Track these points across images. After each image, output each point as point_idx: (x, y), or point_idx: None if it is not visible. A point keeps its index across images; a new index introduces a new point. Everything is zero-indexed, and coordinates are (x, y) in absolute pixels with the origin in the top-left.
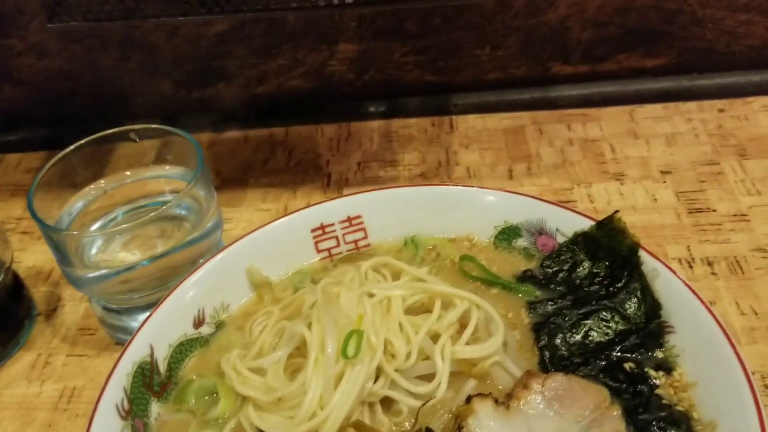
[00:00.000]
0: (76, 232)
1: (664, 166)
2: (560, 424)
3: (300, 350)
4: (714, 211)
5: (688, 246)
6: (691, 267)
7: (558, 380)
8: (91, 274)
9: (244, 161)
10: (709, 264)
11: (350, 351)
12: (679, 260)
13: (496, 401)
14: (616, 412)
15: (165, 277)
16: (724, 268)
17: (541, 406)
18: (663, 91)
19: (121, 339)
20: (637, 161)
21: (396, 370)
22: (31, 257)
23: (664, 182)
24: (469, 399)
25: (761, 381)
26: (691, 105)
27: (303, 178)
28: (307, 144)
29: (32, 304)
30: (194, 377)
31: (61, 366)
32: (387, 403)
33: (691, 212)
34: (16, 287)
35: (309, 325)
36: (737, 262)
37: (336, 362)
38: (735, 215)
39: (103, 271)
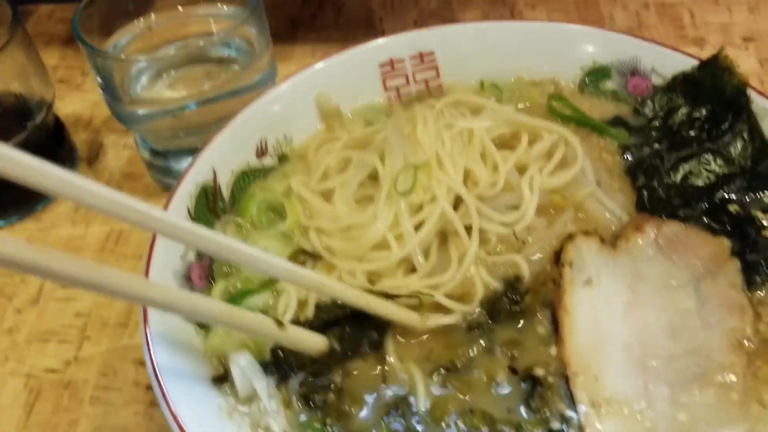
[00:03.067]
0: (123, 57)
1: (747, 33)
2: (670, 270)
3: (370, 181)
4: None
5: None
6: None
7: (674, 228)
8: (141, 111)
9: (290, 16)
10: None
11: (402, 186)
12: None
13: (602, 240)
14: (735, 265)
15: (215, 123)
16: None
17: (650, 250)
18: None
19: (168, 184)
20: (718, 28)
21: (481, 200)
22: (70, 105)
23: (747, 49)
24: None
25: None
26: None
27: (354, 35)
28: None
29: (74, 149)
30: (257, 191)
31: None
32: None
33: None
34: (58, 129)
35: (381, 157)
36: None
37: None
38: None
39: (155, 109)
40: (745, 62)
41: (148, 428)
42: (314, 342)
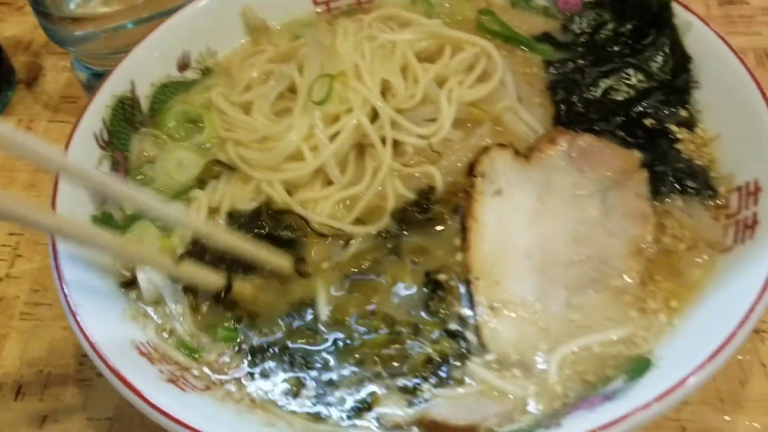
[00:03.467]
0: None
1: None
2: (579, 181)
3: (291, 94)
4: (746, 3)
5: None
6: None
7: (587, 141)
8: (77, 32)
9: None
10: None
11: (317, 96)
12: None
13: (516, 152)
14: (642, 176)
15: None
16: (752, 60)
17: (562, 162)
18: None
19: None
20: None
21: (399, 113)
22: (10, 28)
23: None
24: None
25: None
26: None
27: None
28: None
29: (13, 71)
30: (177, 104)
31: (43, 132)
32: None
33: (722, 4)
34: None
35: (300, 69)
36: (766, 55)
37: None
38: None
39: (89, 30)
40: None
41: (74, 342)
42: (211, 279)
